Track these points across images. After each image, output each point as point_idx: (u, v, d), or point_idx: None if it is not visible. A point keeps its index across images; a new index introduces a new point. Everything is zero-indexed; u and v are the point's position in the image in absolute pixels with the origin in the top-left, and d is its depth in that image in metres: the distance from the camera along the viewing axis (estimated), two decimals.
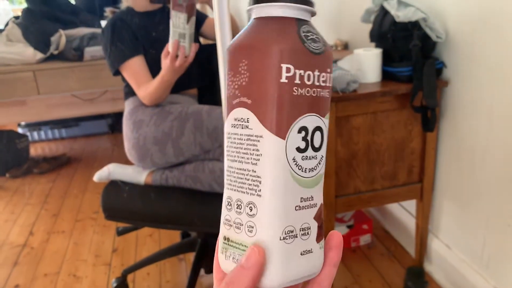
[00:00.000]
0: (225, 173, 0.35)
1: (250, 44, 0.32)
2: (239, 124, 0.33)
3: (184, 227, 1.50)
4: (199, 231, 1.67)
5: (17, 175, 3.00)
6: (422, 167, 1.54)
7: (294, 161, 0.32)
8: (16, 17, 2.78)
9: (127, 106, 1.61)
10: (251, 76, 0.32)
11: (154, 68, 1.53)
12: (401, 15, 1.35)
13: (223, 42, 0.90)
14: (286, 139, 0.32)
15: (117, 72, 1.57)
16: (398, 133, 1.47)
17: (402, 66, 1.41)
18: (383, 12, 1.45)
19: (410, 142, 1.49)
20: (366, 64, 1.45)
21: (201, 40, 1.80)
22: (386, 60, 1.46)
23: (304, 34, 0.32)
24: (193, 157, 1.51)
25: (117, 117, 3.49)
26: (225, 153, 0.35)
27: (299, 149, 0.32)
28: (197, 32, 1.74)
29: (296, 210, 0.33)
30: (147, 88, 1.50)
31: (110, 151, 3.43)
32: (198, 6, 3.10)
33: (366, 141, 1.46)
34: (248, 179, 0.33)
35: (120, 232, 1.77)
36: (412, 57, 1.38)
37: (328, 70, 0.33)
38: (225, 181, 0.35)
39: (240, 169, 0.33)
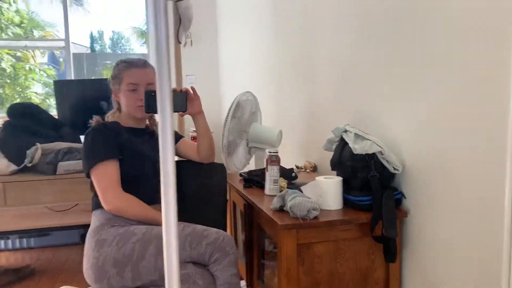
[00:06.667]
0: None
1: None
2: None
3: None
4: None
5: None
6: None
7: None
8: None
9: (94, 221, 1.61)
10: None
11: (126, 180, 1.58)
12: (358, 148, 1.41)
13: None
14: None
15: (89, 174, 1.60)
16: (361, 262, 1.45)
17: (362, 195, 1.44)
18: (343, 143, 1.52)
19: (373, 272, 1.47)
20: (327, 191, 1.47)
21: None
22: (347, 188, 1.49)
23: None
24: (151, 282, 1.45)
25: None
26: None
27: None
28: None
29: None
30: (122, 195, 1.54)
31: (78, 263, 3.28)
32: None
33: (329, 270, 1.43)
34: None
35: None
36: (372, 187, 1.41)
37: None
38: None
39: None
